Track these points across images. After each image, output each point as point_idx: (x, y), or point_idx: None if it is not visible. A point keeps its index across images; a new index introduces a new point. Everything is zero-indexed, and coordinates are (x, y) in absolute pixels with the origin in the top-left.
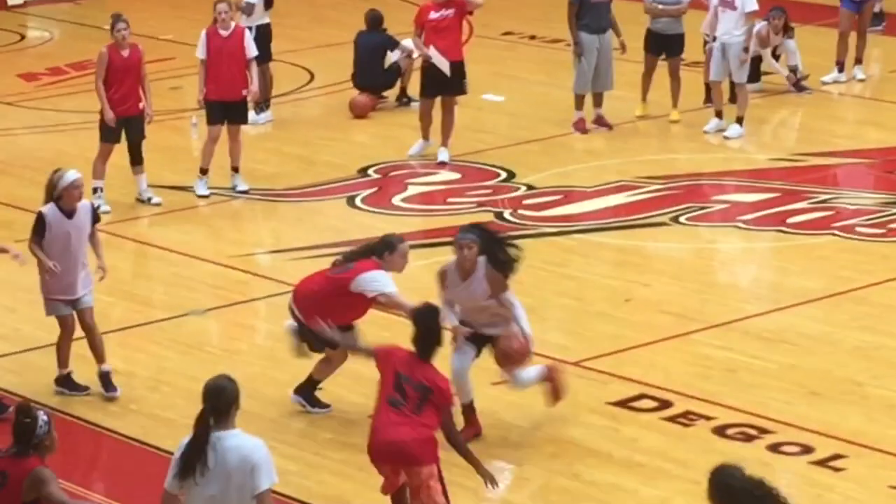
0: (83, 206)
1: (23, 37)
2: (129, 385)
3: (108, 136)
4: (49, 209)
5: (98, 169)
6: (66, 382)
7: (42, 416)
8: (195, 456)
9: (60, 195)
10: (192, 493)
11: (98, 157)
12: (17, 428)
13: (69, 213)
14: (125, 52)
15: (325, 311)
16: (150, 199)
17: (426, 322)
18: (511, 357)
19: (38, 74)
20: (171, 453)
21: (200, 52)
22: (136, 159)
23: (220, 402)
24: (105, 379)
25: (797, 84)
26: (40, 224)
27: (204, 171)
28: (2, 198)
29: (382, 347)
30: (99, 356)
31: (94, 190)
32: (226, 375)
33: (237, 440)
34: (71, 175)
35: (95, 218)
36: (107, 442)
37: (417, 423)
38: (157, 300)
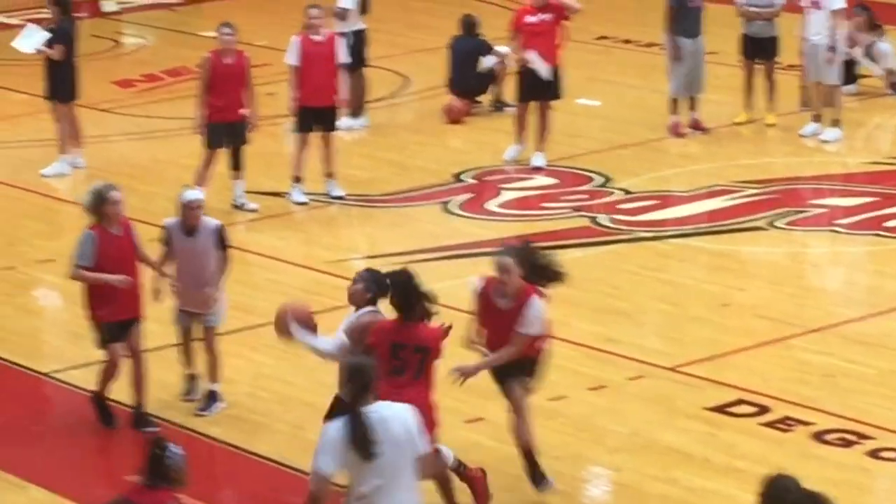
0: (207, 225)
1: (118, 43)
2: (227, 391)
3: (211, 141)
4: (171, 223)
5: (201, 175)
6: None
7: (174, 449)
8: (364, 432)
9: (180, 212)
10: (361, 470)
11: (202, 163)
12: (149, 459)
13: (189, 231)
14: (229, 59)
15: None
16: (246, 206)
17: (400, 285)
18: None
19: (133, 81)
20: (269, 459)
21: (291, 58)
22: (236, 165)
23: (366, 378)
24: (208, 396)
25: (893, 86)
26: (163, 236)
27: (297, 179)
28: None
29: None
30: (210, 375)
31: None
32: (361, 354)
33: (390, 410)
34: (188, 194)
35: (221, 241)
36: (204, 448)
37: (421, 387)
38: (254, 306)
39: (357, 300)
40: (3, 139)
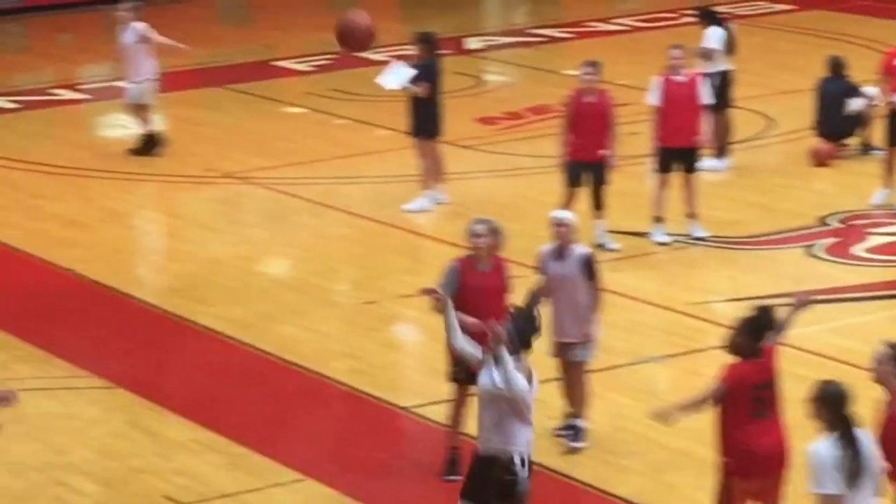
0: (576, 252)
1: (481, 81)
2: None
3: (571, 180)
4: (545, 248)
5: None
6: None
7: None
8: (859, 459)
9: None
10: (856, 500)
11: (563, 201)
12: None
13: (559, 255)
14: (591, 98)
15: None
16: (607, 245)
17: (752, 322)
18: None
19: (495, 118)
20: (628, 501)
21: (653, 99)
22: (597, 205)
23: (847, 402)
24: (572, 430)
25: None
26: (538, 262)
27: (659, 219)
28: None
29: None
30: (574, 410)
31: None
32: (832, 380)
33: (867, 438)
34: (555, 213)
35: (589, 269)
36: (559, 486)
37: (780, 423)
38: (612, 346)
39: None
40: (367, 174)
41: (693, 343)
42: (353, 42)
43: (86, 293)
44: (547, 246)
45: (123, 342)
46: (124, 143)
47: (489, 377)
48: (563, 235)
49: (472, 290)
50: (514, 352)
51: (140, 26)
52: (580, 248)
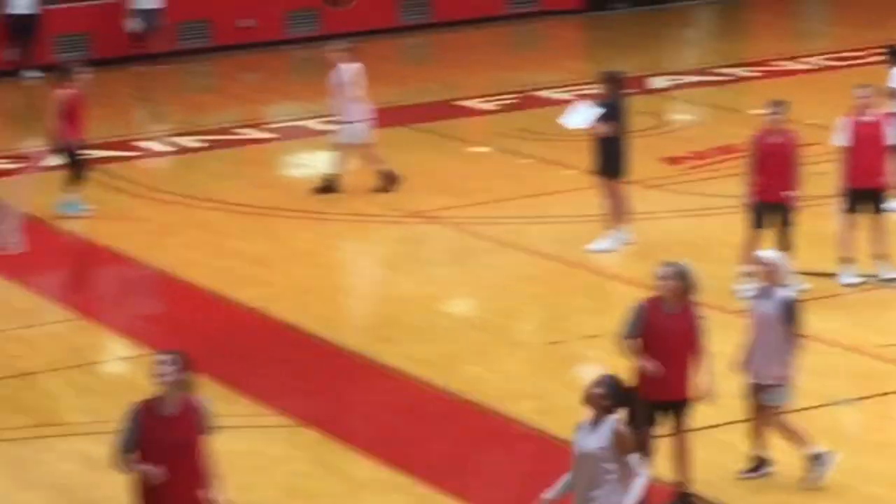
0: (781, 294)
1: (666, 120)
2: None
3: (756, 220)
4: (752, 288)
5: (747, 253)
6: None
7: None
8: None
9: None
10: None
11: (747, 241)
12: None
13: (763, 294)
14: (777, 138)
15: None
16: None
17: None
18: None
19: (681, 158)
20: None
21: (840, 139)
22: (783, 246)
23: None
24: (756, 462)
25: None
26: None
27: (846, 260)
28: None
29: None
30: (758, 443)
31: (741, 275)
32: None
33: None
34: (762, 254)
35: (790, 313)
36: None
37: None
38: (803, 388)
39: (594, 404)
40: (552, 213)
41: (884, 386)
42: None
43: (271, 332)
44: (752, 286)
45: (309, 381)
46: (308, 182)
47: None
48: (768, 276)
49: (658, 332)
50: (608, 411)
51: (353, 67)
52: (784, 291)
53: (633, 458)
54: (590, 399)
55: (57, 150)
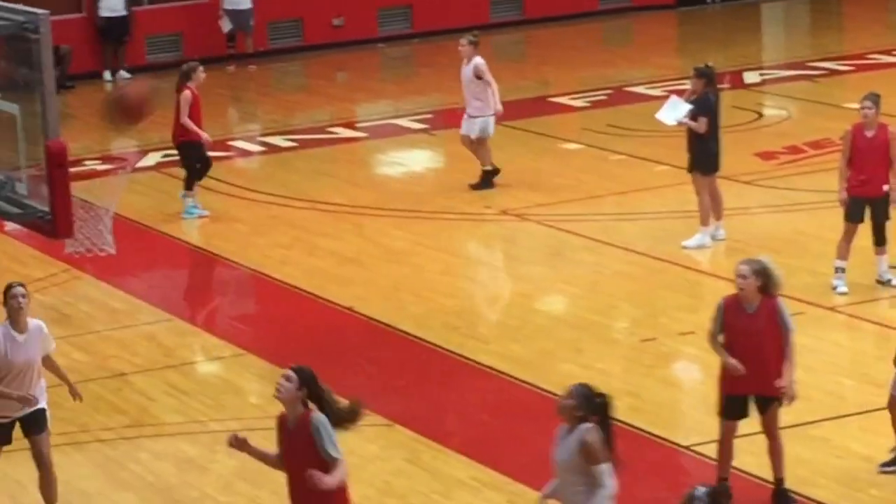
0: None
1: (760, 115)
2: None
3: (850, 216)
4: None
5: (841, 249)
6: None
7: None
8: None
9: None
10: None
11: (842, 237)
12: None
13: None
14: (871, 132)
15: None
16: (889, 281)
17: None
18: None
19: (775, 153)
20: None
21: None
22: (879, 240)
23: None
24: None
25: None
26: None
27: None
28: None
29: None
30: None
31: (836, 270)
32: None
33: None
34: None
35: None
36: None
37: None
38: None
39: (566, 415)
40: (646, 210)
41: None
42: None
43: (364, 331)
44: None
45: (402, 379)
46: (400, 180)
47: None
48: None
49: (737, 331)
50: (581, 421)
51: (478, 61)
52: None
53: (601, 468)
54: (562, 410)
55: (184, 151)
